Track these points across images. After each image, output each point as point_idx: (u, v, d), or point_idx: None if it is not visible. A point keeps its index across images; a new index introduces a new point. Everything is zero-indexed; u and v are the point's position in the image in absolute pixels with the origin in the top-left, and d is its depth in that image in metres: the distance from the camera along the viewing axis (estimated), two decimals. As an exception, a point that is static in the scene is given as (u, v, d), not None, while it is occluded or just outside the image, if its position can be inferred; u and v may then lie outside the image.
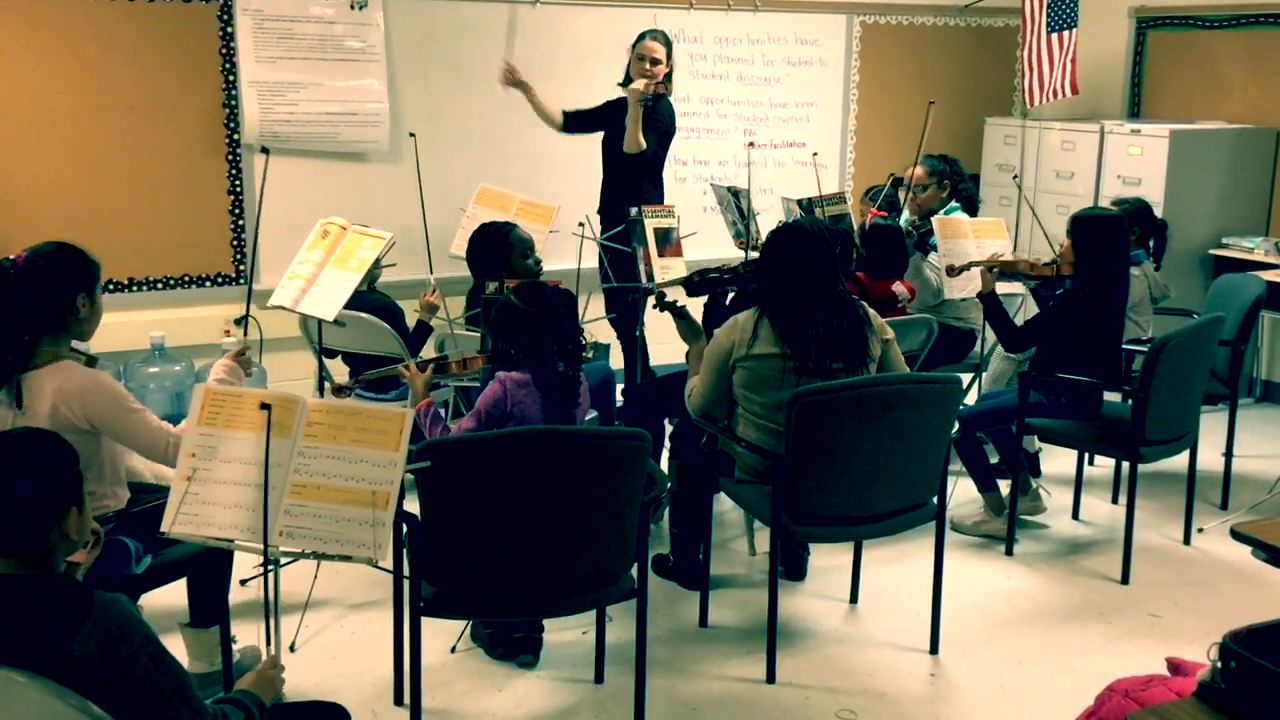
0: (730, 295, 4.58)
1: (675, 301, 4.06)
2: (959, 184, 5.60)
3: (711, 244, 5.92)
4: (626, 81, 5.55)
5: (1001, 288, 4.89)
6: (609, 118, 5.64)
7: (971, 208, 5.62)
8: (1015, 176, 6.00)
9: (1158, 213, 5.92)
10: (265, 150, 4.53)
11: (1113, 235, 4.52)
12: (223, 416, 2.91)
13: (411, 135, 5.33)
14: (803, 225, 3.86)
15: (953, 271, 5.06)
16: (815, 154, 5.91)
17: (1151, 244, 5.30)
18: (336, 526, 2.81)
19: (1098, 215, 4.65)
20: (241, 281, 5.87)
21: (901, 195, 5.65)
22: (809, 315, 3.68)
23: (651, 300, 4.38)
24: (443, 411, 4.64)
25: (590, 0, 6.17)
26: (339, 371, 5.14)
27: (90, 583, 2.19)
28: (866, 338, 3.76)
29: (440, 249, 5.40)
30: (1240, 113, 6.75)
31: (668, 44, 5.56)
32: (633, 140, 5.46)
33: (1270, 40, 6.59)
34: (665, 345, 5.53)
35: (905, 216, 5.50)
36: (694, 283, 4.36)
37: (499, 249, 4.60)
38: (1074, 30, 6.69)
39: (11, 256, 3.17)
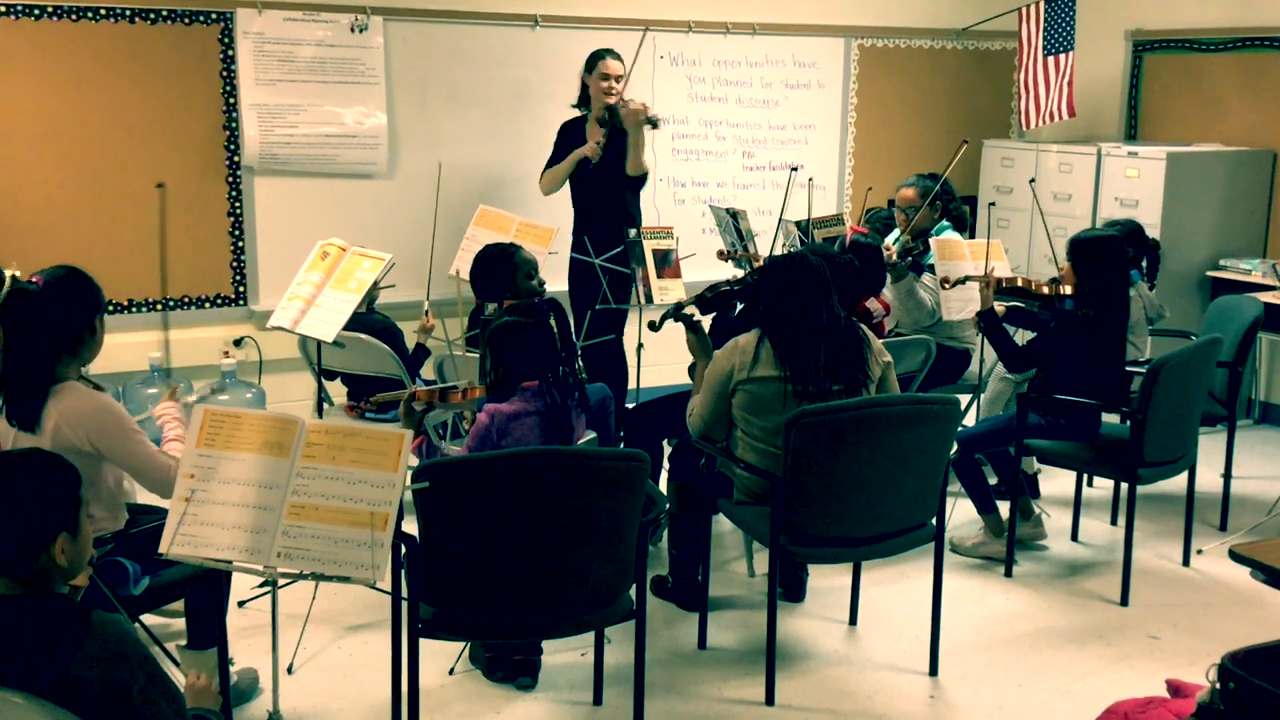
0: (738, 309, 4.60)
1: (691, 315, 4.07)
2: (949, 204, 5.61)
3: (709, 265, 5.93)
4: (580, 103, 5.59)
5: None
6: (570, 144, 5.63)
7: (961, 227, 5.63)
8: (991, 203, 6.01)
9: (1154, 234, 5.95)
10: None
11: (1112, 256, 4.53)
12: (221, 438, 2.91)
13: (439, 164, 5.26)
14: (801, 256, 3.86)
15: (948, 284, 5.06)
16: (810, 179, 5.90)
17: (1144, 264, 5.31)
18: (335, 547, 2.81)
19: (1096, 237, 4.66)
20: (241, 303, 5.88)
21: (897, 217, 5.66)
22: (811, 341, 3.69)
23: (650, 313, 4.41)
24: (441, 431, 4.66)
25: (590, 23, 6.20)
26: (338, 393, 5.14)
27: (88, 604, 2.19)
28: (866, 359, 3.77)
29: (438, 270, 5.40)
30: (1237, 135, 6.77)
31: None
32: (634, 163, 5.48)
33: (1267, 63, 6.61)
34: (663, 366, 5.53)
35: (899, 237, 5.51)
36: (707, 299, 4.40)
37: (504, 270, 4.59)
38: (1071, 53, 6.72)
39: (33, 279, 3.19)
